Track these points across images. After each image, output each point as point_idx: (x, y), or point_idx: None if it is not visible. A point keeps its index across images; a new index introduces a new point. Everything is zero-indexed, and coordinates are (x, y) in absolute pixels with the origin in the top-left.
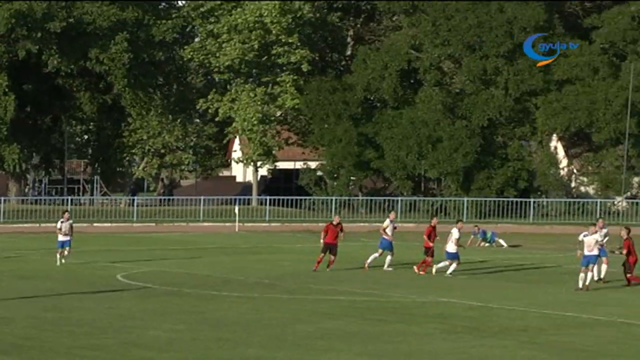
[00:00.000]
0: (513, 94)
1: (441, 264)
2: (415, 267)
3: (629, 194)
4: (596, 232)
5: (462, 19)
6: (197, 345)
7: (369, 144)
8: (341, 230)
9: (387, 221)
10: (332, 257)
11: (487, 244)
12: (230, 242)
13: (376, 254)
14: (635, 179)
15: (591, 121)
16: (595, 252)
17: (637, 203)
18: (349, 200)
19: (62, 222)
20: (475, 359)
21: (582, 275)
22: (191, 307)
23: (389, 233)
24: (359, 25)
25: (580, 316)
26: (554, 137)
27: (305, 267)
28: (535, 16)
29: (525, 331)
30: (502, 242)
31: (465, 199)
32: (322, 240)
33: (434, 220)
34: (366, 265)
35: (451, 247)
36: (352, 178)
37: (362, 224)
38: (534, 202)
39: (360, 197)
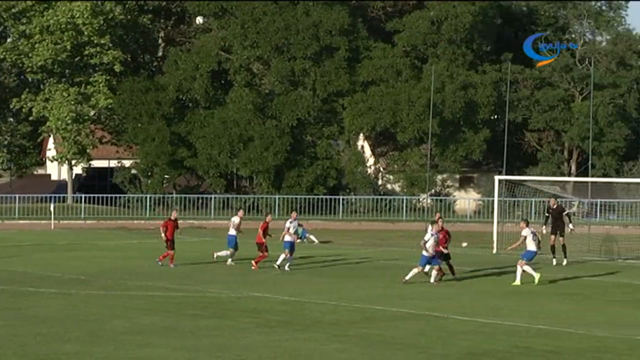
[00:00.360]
0: (320, 95)
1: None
2: (253, 262)
3: (433, 191)
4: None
5: (270, 22)
6: (15, 342)
7: (182, 142)
8: (176, 227)
9: (288, 223)
10: (172, 251)
11: (298, 240)
12: (46, 240)
13: (283, 255)
14: (439, 177)
15: (395, 121)
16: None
17: (441, 200)
18: (163, 197)
19: None
20: (288, 351)
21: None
22: (8, 303)
23: (292, 232)
24: (169, 27)
25: (390, 309)
26: (361, 136)
27: (122, 263)
28: (340, 19)
29: (337, 324)
30: (313, 238)
31: (277, 196)
32: (163, 235)
33: (269, 217)
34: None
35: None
36: (166, 176)
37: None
38: (343, 199)
39: (175, 195)
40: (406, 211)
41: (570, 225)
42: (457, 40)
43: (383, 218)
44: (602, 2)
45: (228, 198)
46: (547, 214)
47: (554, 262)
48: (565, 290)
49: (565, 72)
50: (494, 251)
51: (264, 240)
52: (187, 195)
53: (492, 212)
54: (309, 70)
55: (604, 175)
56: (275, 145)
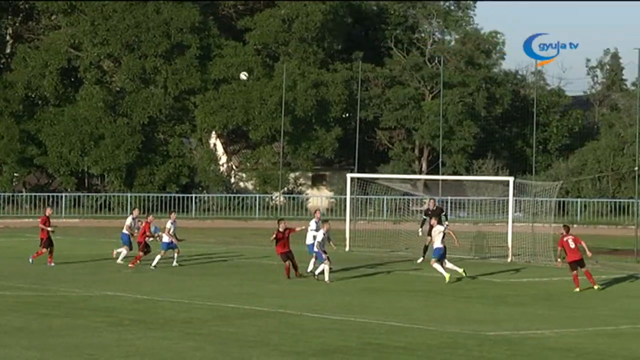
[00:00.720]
0: (172, 93)
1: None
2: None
3: (285, 189)
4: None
5: (120, 19)
6: None
7: (32, 140)
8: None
9: (169, 223)
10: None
11: (151, 238)
12: None
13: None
14: (292, 175)
15: (248, 119)
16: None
17: (293, 198)
18: (12, 196)
19: None
20: (141, 350)
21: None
22: None
23: (172, 232)
24: (17, 24)
25: (243, 307)
26: (213, 134)
27: None
28: (191, 17)
29: (190, 323)
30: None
31: (129, 194)
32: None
33: (150, 217)
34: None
35: None
36: (15, 174)
37: (27, 220)
38: (196, 197)
39: (25, 193)
40: (259, 209)
41: (446, 223)
42: (308, 39)
43: (236, 216)
44: (451, 1)
45: (79, 196)
46: (424, 216)
47: (419, 260)
48: (416, 287)
49: (415, 71)
50: (347, 249)
51: (144, 239)
52: (37, 194)
53: (345, 209)
54: (160, 68)
55: (454, 173)
56: (126, 143)
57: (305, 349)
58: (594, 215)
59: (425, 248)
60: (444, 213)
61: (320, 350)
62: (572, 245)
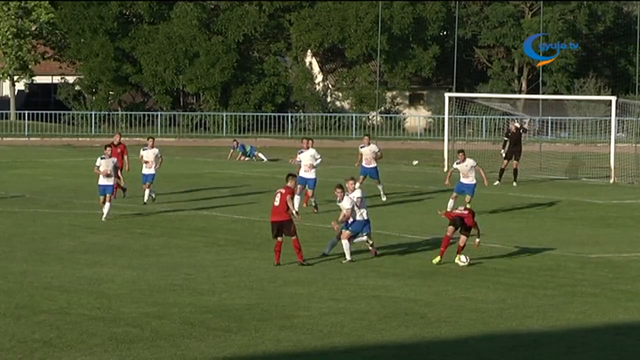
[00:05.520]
0: (267, 10)
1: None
2: None
3: (382, 108)
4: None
5: None
6: None
7: (127, 59)
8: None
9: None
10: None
11: (247, 158)
12: None
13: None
14: (389, 94)
15: (344, 37)
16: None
17: (390, 117)
18: (108, 114)
19: None
20: (238, 270)
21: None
22: None
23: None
24: None
25: None
26: (309, 52)
27: (67, 181)
28: None
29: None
30: (262, 155)
31: (224, 113)
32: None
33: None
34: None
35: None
36: (110, 93)
37: (124, 139)
38: (291, 116)
39: (120, 112)
40: (356, 129)
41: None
42: None
43: (332, 136)
44: None
45: (175, 115)
46: (505, 138)
47: (496, 183)
48: (515, 209)
49: None
50: (445, 169)
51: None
52: (133, 112)
53: (443, 129)
54: None
55: (555, 93)
56: (221, 61)
57: (404, 270)
58: None
59: (502, 171)
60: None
61: (418, 272)
62: None
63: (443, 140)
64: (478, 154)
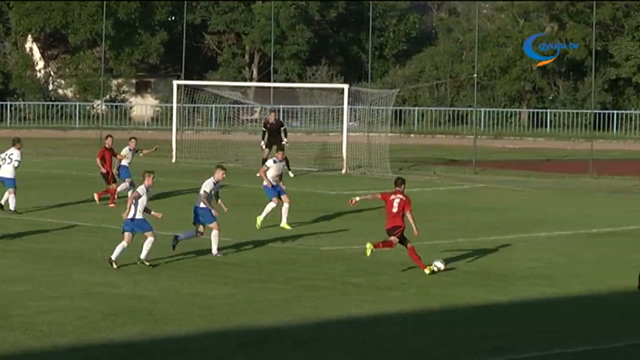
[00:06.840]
0: None
1: None
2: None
3: (107, 97)
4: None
5: None
6: None
7: None
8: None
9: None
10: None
11: None
12: None
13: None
14: (114, 82)
15: (67, 22)
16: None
17: (116, 106)
18: None
19: None
20: None
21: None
22: None
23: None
24: None
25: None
26: (29, 38)
27: None
28: None
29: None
30: None
31: None
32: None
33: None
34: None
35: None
36: None
37: None
38: (11, 105)
39: None
40: (80, 118)
41: (285, 139)
42: None
43: (55, 125)
44: None
45: None
46: (264, 129)
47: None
48: (244, 200)
49: None
50: (174, 160)
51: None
52: None
53: (171, 119)
54: None
55: (287, 80)
56: None
57: (130, 266)
58: (431, 124)
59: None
60: (283, 127)
61: (144, 268)
62: (396, 209)
63: (171, 130)
64: (207, 144)
